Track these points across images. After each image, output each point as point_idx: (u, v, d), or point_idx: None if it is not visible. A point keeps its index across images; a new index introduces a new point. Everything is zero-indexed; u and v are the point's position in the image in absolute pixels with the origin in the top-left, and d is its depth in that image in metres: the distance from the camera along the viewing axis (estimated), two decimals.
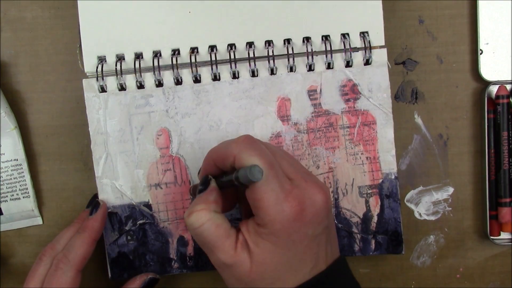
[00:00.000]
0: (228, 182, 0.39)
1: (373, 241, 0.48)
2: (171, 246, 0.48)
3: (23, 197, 0.50)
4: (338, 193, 0.48)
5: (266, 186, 0.37)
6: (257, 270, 0.37)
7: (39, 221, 0.51)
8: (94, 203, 0.47)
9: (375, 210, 0.48)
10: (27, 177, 0.50)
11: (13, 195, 0.50)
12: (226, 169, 0.40)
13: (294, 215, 0.37)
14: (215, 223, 0.38)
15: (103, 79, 0.47)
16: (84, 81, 0.48)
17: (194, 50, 0.48)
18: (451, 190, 0.51)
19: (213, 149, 0.41)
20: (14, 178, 0.50)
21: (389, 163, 0.48)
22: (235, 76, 0.48)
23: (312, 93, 0.48)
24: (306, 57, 0.47)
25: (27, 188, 0.50)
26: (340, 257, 0.41)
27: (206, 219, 0.38)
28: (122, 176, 0.48)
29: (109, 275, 0.49)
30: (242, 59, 0.47)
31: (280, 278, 0.38)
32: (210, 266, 0.48)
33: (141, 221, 0.48)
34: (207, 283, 0.51)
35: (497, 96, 0.49)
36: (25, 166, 0.50)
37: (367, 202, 0.48)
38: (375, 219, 0.48)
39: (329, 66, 0.47)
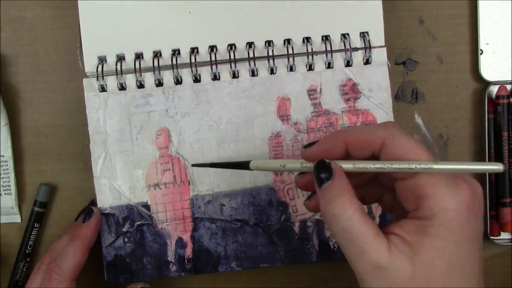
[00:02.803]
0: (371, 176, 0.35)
1: None
2: (169, 248, 0.48)
3: (5, 194, 0.50)
4: None
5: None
6: (422, 275, 0.31)
7: (17, 219, 0.51)
8: (87, 210, 0.47)
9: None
10: (11, 175, 0.50)
11: None
12: (361, 156, 0.35)
13: (468, 202, 0.32)
14: (363, 214, 0.32)
15: (103, 78, 0.47)
16: (85, 80, 0.48)
17: (194, 50, 0.48)
18: None
19: (349, 130, 0.36)
20: None
21: None
22: (235, 75, 0.48)
23: (312, 93, 0.48)
24: (306, 57, 0.47)
25: (10, 186, 0.50)
26: None
27: (353, 210, 0.32)
28: (120, 176, 0.48)
29: (105, 279, 0.48)
30: (242, 59, 0.47)
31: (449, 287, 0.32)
32: (209, 269, 0.48)
33: (139, 222, 0.48)
34: (206, 283, 0.51)
35: (497, 96, 0.49)
36: (10, 163, 0.50)
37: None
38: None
39: (329, 66, 0.47)
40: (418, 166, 0.32)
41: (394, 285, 0.31)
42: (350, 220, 0.32)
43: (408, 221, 0.33)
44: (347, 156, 0.35)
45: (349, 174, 0.35)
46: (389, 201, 0.38)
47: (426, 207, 0.32)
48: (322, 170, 0.34)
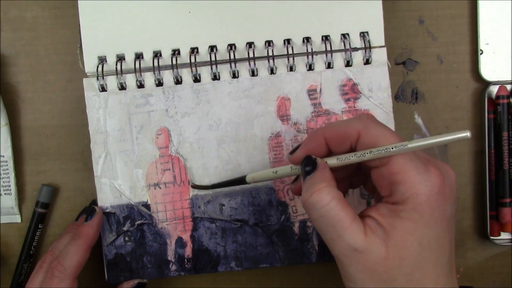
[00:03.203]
0: (353, 162, 0.37)
1: None
2: (169, 248, 0.48)
3: (5, 194, 0.50)
4: None
5: (404, 158, 0.34)
6: (395, 255, 0.34)
7: (17, 219, 0.51)
8: (89, 209, 0.47)
9: None
10: (11, 175, 0.50)
11: None
12: (341, 149, 0.37)
13: (439, 186, 0.34)
14: (340, 201, 0.34)
15: (103, 78, 0.47)
16: (85, 80, 0.48)
17: (194, 50, 0.48)
18: None
19: (326, 127, 0.38)
20: None
21: None
22: (235, 75, 0.48)
23: (312, 93, 0.48)
24: (306, 57, 0.47)
25: (10, 186, 0.50)
26: None
27: (331, 197, 0.34)
28: (121, 176, 0.48)
29: (106, 278, 0.48)
30: (242, 59, 0.47)
31: (421, 267, 0.34)
32: (209, 269, 0.48)
33: (139, 222, 0.48)
34: (206, 283, 0.51)
35: (497, 97, 0.49)
36: (11, 163, 0.50)
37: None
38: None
39: (329, 66, 0.47)
40: (394, 148, 0.34)
41: (370, 266, 0.34)
42: (327, 206, 0.34)
43: (383, 205, 0.35)
44: (330, 153, 0.38)
45: (336, 169, 0.38)
46: (370, 186, 0.41)
47: (398, 192, 0.34)
48: (308, 164, 0.37)
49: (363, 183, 0.42)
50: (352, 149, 0.37)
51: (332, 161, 0.37)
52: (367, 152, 0.35)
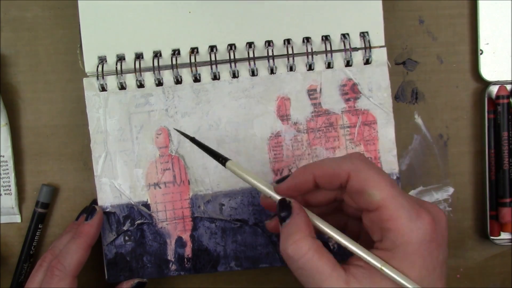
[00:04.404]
0: (337, 204, 0.36)
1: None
2: (169, 247, 0.48)
3: (5, 194, 0.50)
4: None
5: (395, 204, 0.33)
6: None
7: (17, 219, 0.51)
8: (90, 208, 0.47)
9: None
10: (12, 175, 0.50)
11: None
12: (329, 187, 0.36)
13: (430, 233, 0.33)
14: (317, 251, 0.34)
15: (103, 78, 0.47)
16: (85, 79, 0.48)
17: (194, 50, 0.48)
18: (451, 190, 0.51)
19: (316, 164, 0.37)
20: None
21: (390, 163, 0.48)
22: (234, 75, 0.48)
23: (312, 93, 0.48)
24: (306, 57, 0.47)
25: (10, 186, 0.50)
26: None
27: (307, 248, 0.34)
28: (121, 175, 0.48)
29: (106, 277, 0.48)
30: (242, 59, 0.47)
31: None
32: (208, 269, 0.48)
33: (139, 221, 0.48)
34: (206, 283, 0.51)
35: (497, 96, 0.49)
36: (11, 163, 0.50)
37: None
38: None
39: (329, 66, 0.47)
40: (368, 258, 0.34)
41: None
42: (304, 258, 0.33)
43: (374, 251, 0.34)
44: (317, 188, 0.37)
45: (313, 205, 0.38)
46: (355, 228, 0.40)
47: (389, 239, 0.33)
48: (282, 209, 0.36)
49: (343, 227, 0.41)
50: (342, 188, 0.36)
51: (319, 223, 0.37)
52: (350, 245, 0.35)
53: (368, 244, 0.35)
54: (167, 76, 0.48)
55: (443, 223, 0.35)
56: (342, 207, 0.40)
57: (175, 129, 0.47)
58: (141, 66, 0.47)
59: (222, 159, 0.40)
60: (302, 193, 0.38)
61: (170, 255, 0.48)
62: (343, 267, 0.34)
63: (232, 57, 0.47)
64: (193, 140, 0.43)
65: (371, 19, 0.48)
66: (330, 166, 0.36)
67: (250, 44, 0.48)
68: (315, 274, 0.33)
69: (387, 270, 0.33)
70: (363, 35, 0.48)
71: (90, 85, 0.48)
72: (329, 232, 0.36)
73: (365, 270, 0.34)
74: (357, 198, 0.35)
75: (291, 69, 0.48)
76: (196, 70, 0.47)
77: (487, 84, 0.50)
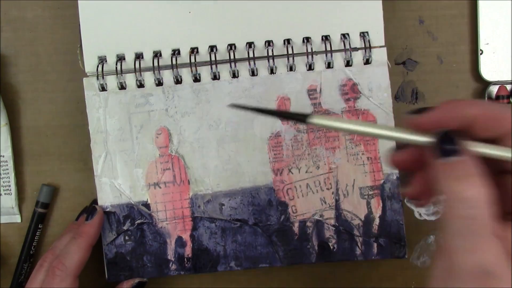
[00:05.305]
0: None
1: (375, 245, 0.48)
2: (169, 247, 0.48)
3: (5, 194, 0.50)
4: (339, 194, 0.48)
5: None
6: None
7: (17, 219, 0.51)
8: (90, 208, 0.47)
9: (377, 212, 0.48)
10: (11, 175, 0.50)
11: None
12: (481, 136, 0.29)
13: None
14: (492, 208, 0.27)
15: (103, 78, 0.47)
16: (85, 79, 0.48)
17: (194, 50, 0.48)
18: None
19: (473, 102, 0.30)
20: None
21: None
22: (234, 75, 0.48)
23: (312, 93, 0.48)
24: (306, 57, 0.47)
25: (10, 186, 0.50)
26: None
27: (486, 199, 0.27)
28: (121, 175, 0.48)
29: (106, 277, 0.48)
30: (242, 59, 0.47)
31: None
32: (208, 269, 0.48)
33: (139, 221, 0.48)
34: (206, 283, 0.51)
35: (497, 97, 0.49)
36: (11, 163, 0.50)
37: (368, 203, 0.48)
38: (377, 221, 0.48)
39: (329, 66, 0.47)
40: None
41: None
42: (481, 209, 0.27)
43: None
44: (464, 133, 0.30)
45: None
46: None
47: None
48: (452, 141, 0.29)
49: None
50: (493, 141, 0.29)
51: (484, 149, 0.29)
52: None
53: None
54: (167, 76, 0.48)
55: None
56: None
57: (229, 105, 0.40)
58: (141, 66, 0.47)
59: (302, 117, 0.32)
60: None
61: (170, 255, 0.48)
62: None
63: (232, 57, 0.47)
64: (254, 109, 0.34)
65: (371, 19, 0.48)
66: (494, 109, 0.29)
67: (250, 44, 0.48)
68: (483, 232, 0.27)
69: None
70: (363, 35, 0.48)
71: (90, 85, 0.48)
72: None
73: None
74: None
75: (291, 69, 0.48)
76: (196, 70, 0.47)
77: (487, 84, 0.50)
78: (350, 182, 0.48)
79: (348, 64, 0.47)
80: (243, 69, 0.48)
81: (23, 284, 0.49)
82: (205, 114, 0.48)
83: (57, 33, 0.51)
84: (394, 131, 0.31)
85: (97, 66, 0.47)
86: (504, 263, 0.27)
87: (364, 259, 0.48)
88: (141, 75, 0.47)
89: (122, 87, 0.48)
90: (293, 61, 0.47)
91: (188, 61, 0.47)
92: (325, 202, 0.48)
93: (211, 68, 0.47)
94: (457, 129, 0.29)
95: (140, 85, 0.48)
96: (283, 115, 0.38)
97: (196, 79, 0.48)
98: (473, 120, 0.29)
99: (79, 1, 0.48)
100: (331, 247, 0.48)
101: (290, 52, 0.47)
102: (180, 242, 0.48)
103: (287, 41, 0.48)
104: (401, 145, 0.33)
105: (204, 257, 0.48)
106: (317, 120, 0.31)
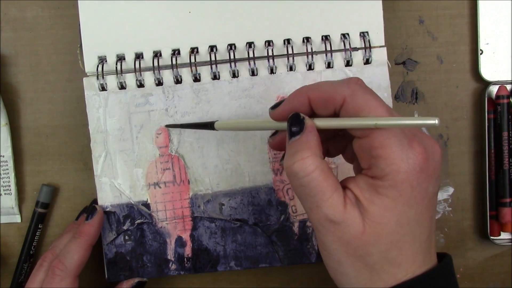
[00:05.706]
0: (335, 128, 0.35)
1: None
2: (169, 247, 0.48)
3: (5, 194, 0.50)
4: None
5: (387, 132, 0.32)
6: (372, 231, 0.33)
7: (17, 219, 0.51)
8: (90, 208, 0.47)
9: None
10: (11, 175, 0.50)
11: None
12: (323, 113, 0.35)
13: (421, 164, 0.32)
14: (323, 171, 0.33)
15: (103, 78, 0.47)
16: (85, 79, 0.48)
17: (194, 50, 0.48)
18: (451, 190, 0.51)
19: (312, 86, 0.35)
20: None
21: None
22: (234, 75, 0.48)
23: None
24: (305, 57, 0.47)
25: (10, 186, 0.50)
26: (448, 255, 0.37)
27: (314, 167, 0.33)
28: (121, 175, 0.48)
29: (106, 276, 0.48)
30: (242, 59, 0.47)
31: (397, 244, 0.33)
32: (208, 269, 0.48)
33: (139, 221, 0.48)
34: (206, 283, 0.51)
35: (497, 96, 0.49)
36: (11, 163, 0.50)
37: None
38: None
39: (329, 66, 0.47)
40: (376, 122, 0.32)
41: (345, 238, 0.33)
42: (309, 176, 0.33)
43: (363, 178, 0.34)
44: (313, 114, 0.36)
45: (318, 130, 0.35)
46: (350, 154, 0.39)
47: (378, 167, 0.32)
48: (294, 123, 0.35)
49: (342, 152, 0.40)
50: (336, 114, 0.35)
51: (322, 122, 0.35)
52: (347, 121, 0.33)
53: (358, 171, 0.35)
54: (167, 76, 0.48)
55: (437, 156, 0.34)
56: (341, 131, 0.39)
57: (166, 126, 0.48)
58: (141, 66, 0.47)
59: (210, 125, 0.42)
60: None
61: (170, 255, 0.48)
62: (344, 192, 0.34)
63: (232, 57, 0.47)
64: (181, 126, 0.46)
65: (371, 19, 0.48)
66: (326, 89, 0.34)
67: (250, 44, 0.48)
68: (317, 193, 0.33)
69: (382, 122, 0.32)
70: (363, 35, 0.48)
71: (90, 85, 0.48)
72: (330, 122, 0.35)
73: (356, 195, 0.34)
74: None
75: (291, 69, 0.48)
76: (196, 70, 0.47)
77: (487, 84, 0.50)
78: None
79: (348, 64, 0.47)
80: (243, 69, 0.48)
81: (23, 284, 0.50)
82: (205, 114, 0.48)
83: (57, 33, 0.50)
84: (267, 123, 0.39)
85: (97, 66, 0.47)
86: (345, 211, 0.33)
87: None
88: (141, 75, 0.47)
89: (122, 87, 0.48)
90: (293, 61, 0.47)
91: (188, 61, 0.47)
92: None
93: (211, 68, 0.47)
94: (299, 113, 0.35)
95: (140, 85, 0.48)
96: (192, 126, 0.46)
97: (196, 79, 0.48)
98: (315, 103, 0.35)
99: (79, 1, 0.47)
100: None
101: (290, 52, 0.47)
102: (180, 242, 0.48)
103: (287, 41, 0.48)
104: (275, 132, 0.40)
105: (204, 257, 0.48)
106: (221, 124, 0.42)
